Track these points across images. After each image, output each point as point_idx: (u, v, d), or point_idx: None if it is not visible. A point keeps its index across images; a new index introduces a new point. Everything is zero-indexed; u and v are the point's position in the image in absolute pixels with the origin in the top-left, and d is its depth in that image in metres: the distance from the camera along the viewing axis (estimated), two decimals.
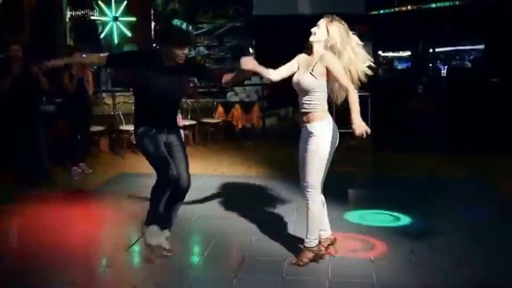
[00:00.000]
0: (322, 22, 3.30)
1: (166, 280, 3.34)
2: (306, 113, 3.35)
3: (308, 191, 3.36)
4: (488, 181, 5.80)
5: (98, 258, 3.83)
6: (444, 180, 5.98)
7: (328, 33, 3.26)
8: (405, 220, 4.48)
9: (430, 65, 11.32)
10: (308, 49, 3.38)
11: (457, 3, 9.94)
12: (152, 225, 3.56)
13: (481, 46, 10.37)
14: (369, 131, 3.15)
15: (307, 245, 3.46)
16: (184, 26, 11.03)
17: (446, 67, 11.21)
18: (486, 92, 8.66)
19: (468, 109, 8.37)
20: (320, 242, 3.51)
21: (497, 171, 6.24)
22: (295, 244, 3.84)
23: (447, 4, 10.02)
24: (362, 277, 3.32)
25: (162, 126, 3.51)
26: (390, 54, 12.25)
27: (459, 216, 4.52)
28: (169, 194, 3.54)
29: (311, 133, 3.32)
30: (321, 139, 3.30)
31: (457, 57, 11.38)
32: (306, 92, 3.32)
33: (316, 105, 3.31)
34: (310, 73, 3.28)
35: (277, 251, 3.74)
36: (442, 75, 11.11)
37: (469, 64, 10.97)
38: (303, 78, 3.31)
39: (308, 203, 3.39)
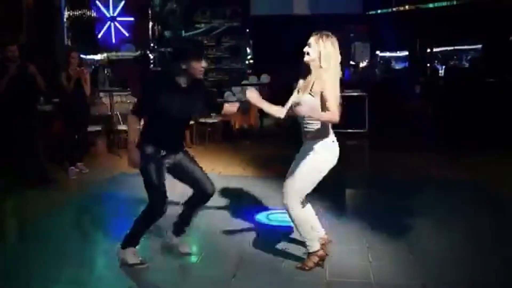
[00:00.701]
0: (312, 40, 3.29)
1: (164, 280, 3.34)
2: (308, 131, 3.35)
3: (288, 202, 3.33)
4: (486, 182, 5.80)
5: (95, 258, 3.82)
6: (442, 181, 5.98)
7: (319, 50, 3.25)
8: (402, 220, 4.48)
9: (428, 65, 11.33)
10: (305, 69, 3.36)
11: (454, 3, 9.96)
12: (129, 248, 3.53)
13: (479, 46, 10.39)
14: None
15: (310, 250, 3.43)
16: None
17: (443, 67, 11.23)
18: (483, 92, 8.67)
19: (466, 109, 8.39)
20: None
21: (496, 172, 6.25)
22: (292, 244, 3.84)
23: (444, 4, 10.03)
24: (360, 277, 3.32)
25: (172, 147, 3.46)
26: (388, 54, 12.26)
27: (456, 217, 4.52)
28: (195, 200, 3.60)
29: (312, 149, 3.32)
30: (321, 158, 3.31)
31: (455, 57, 11.40)
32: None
33: (318, 123, 3.30)
34: (309, 93, 3.27)
35: (275, 251, 3.74)
36: (440, 75, 11.12)
37: (466, 64, 10.99)
38: (303, 99, 3.30)
39: (288, 213, 3.37)
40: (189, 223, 3.70)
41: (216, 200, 5.02)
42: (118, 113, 7.88)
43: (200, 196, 3.57)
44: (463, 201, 5.08)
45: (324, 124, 3.31)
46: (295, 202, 3.34)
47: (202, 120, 8.75)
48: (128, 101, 8.56)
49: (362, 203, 5.25)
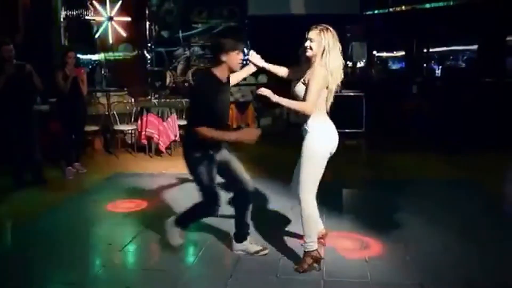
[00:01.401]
0: (314, 35, 3.31)
1: (160, 280, 3.34)
2: (304, 115, 3.38)
3: (300, 192, 3.38)
4: (482, 181, 5.82)
5: (92, 258, 3.82)
6: (438, 180, 6.00)
7: (322, 44, 3.29)
8: (399, 220, 4.49)
9: (424, 65, 11.35)
10: (306, 64, 3.40)
11: (451, 3, 9.99)
12: (179, 227, 3.62)
13: (475, 47, 10.42)
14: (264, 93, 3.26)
15: (306, 250, 3.45)
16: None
17: (440, 67, 11.25)
18: (479, 92, 8.70)
19: (462, 109, 8.41)
20: None
21: (492, 171, 6.26)
22: (289, 244, 3.85)
23: (441, 4, 10.06)
24: (357, 277, 3.33)
25: (219, 145, 3.48)
26: (385, 54, 12.28)
27: (452, 216, 4.54)
28: (238, 203, 3.64)
29: (306, 130, 3.38)
30: (315, 137, 3.34)
31: (451, 57, 11.43)
32: (301, 99, 3.36)
33: None
34: (302, 82, 3.35)
35: (272, 251, 3.74)
36: (437, 75, 11.15)
37: (463, 64, 11.01)
38: (297, 87, 3.40)
39: (300, 206, 3.40)
40: (245, 226, 3.69)
41: None
42: (115, 113, 7.87)
43: (240, 194, 3.59)
44: (460, 200, 5.09)
45: (316, 110, 3.34)
46: (310, 195, 3.36)
47: None
48: (124, 100, 8.57)
49: (359, 202, 5.26)
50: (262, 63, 3.63)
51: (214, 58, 3.36)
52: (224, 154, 3.52)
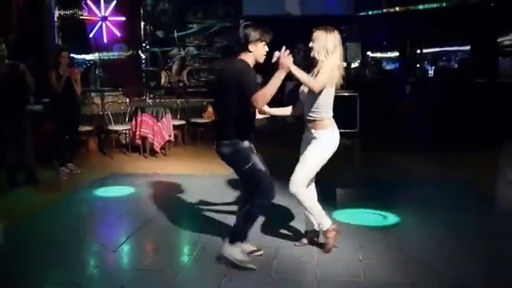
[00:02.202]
0: (315, 35, 3.46)
1: (155, 280, 3.34)
2: (312, 120, 3.54)
3: (294, 187, 3.52)
4: (474, 180, 5.87)
5: (86, 258, 3.82)
6: (431, 179, 6.04)
7: (323, 43, 3.44)
8: (392, 219, 4.52)
9: (418, 65, 11.43)
10: (310, 64, 3.53)
11: (444, 4, 10.06)
12: (238, 243, 3.53)
13: (467, 47, 10.50)
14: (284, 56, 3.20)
15: (324, 228, 3.64)
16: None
17: (433, 67, 11.33)
18: (471, 92, 8.78)
19: (454, 109, 8.48)
20: (306, 232, 3.78)
21: (484, 169, 6.31)
22: (284, 243, 3.87)
23: (434, 5, 10.13)
24: (350, 276, 3.35)
25: (253, 136, 3.52)
26: (379, 54, 12.35)
27: (446, 215, 4.57)
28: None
29: (314, 137, 3.54)
30: (323, 145, 3.52)
31: (444, 58, 11.52)
32: (310, 100, 3.49)
33: (320, 113, 3.51)
34: None
35: (266, 251, 3.76)
36: (430, 75, 11.23)
37: (455, 65, 11.10)
38: (305, 88, 3.51)
39: (298, 200, 3.57)
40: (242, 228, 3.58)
41: (208, 199, 5.05)
42: (109, 113, 7.86)
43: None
44: (453, 199, 5.12)
45: (324, 113, 3.50)
46: (302, 189, 3.55)
47: (194, 120, 8.75)
48: (119, 100, 8.55)
49: (352, 202, 5.28)
50: (269, 110, 3.72)
51: (241, 48, 3.35)
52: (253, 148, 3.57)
